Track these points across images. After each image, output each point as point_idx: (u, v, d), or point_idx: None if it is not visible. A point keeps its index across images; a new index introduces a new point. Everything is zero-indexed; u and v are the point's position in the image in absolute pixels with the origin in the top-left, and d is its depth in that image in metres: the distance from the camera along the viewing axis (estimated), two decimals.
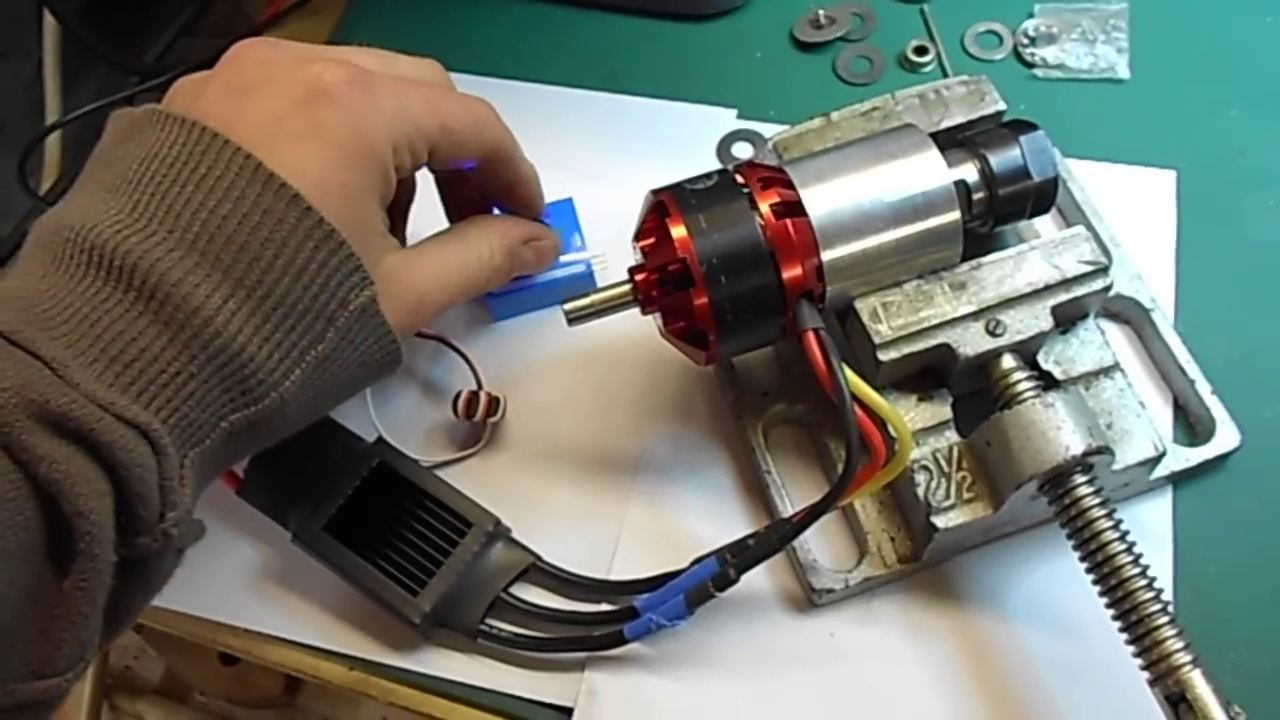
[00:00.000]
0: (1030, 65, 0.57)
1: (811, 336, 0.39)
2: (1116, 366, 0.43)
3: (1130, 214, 0.51)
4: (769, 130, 0.56)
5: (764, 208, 0.40)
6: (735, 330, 0.40)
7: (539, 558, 0.46)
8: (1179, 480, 0.46)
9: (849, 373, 0.39)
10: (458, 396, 0.49)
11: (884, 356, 0.41)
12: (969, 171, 0.42)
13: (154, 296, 0.33)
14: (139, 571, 0.32)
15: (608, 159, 0.57)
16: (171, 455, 0.32)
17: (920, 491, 0.42)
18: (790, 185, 0.41)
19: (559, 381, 0.51)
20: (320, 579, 0.46)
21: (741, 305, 0.40)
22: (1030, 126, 0.43)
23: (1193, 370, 0.46)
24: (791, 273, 0.40)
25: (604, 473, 0.49)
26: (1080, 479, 0.39)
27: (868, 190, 0.40)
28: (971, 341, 0.41)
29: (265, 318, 0.35)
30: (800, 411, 0.47)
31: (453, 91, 0.43)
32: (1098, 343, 0.44)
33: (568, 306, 0.43)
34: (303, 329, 0.36)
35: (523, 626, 0.45)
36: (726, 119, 0.58)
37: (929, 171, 0.41)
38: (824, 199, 0.40)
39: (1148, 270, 0.49)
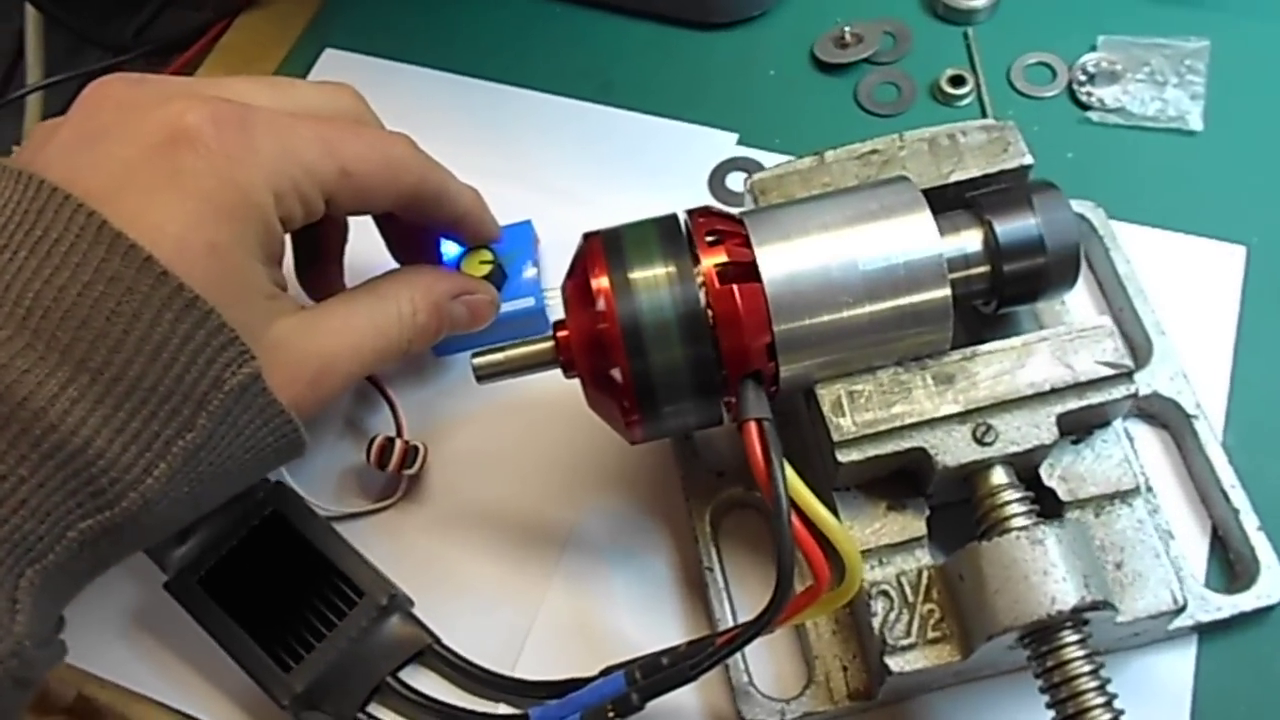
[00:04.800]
0: (1085, 107, 0.49)
1: (752, 428, 0.32)
2: (1137, 491, 0.35)
3: (1185, 295, 0.43)
4: (771, 160, 0.49)
5: (708, 266, 0.33)
6: (663, 409, 0.34)
7: (437, 640, 0.40)
8: (1206, 631, 0.37)
9: (791, 476, 0.32)
10: (372, 442, 0.43)
11: (843, 457, 0.34)
12: (970, 239, 0.35)
13: None
14: None
15: (587, 180, 0.51)
16: None
17: (876, 623, 0.34)
18: (747, 242, 0.34)
19: (493, 432, 0.45)
20: (197, 634, 0.41)
21: (671, 381, 0.33)
22: (1049, 188, 0.35)
23: (1238, 498, 0.38)
24: (734, 348, 0.33)
25: (528, 545, 0.42)
26: (1068, 636, 0.31)
27: (839, 254, 0.33)
28: (953, 449, 0.34)
29: (116, 406, 0.29)
30: (759, 499, 0.40)
31: (361, 129, 0.37)
32: (1117, 458, 0.36)
33: (476, 361, 0.36)
34: (165, 416, 0.30)
35: (408, 719, 0.39)
36: (726, 144, 0.51)
37: (916, 236, 0.33)
38: (783, 262, 0.33)
39: (1197, 367, 0.41)
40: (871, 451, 0.34)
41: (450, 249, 0.44)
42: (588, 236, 0.35)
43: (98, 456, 0.29)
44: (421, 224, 0.41)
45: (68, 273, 0.29)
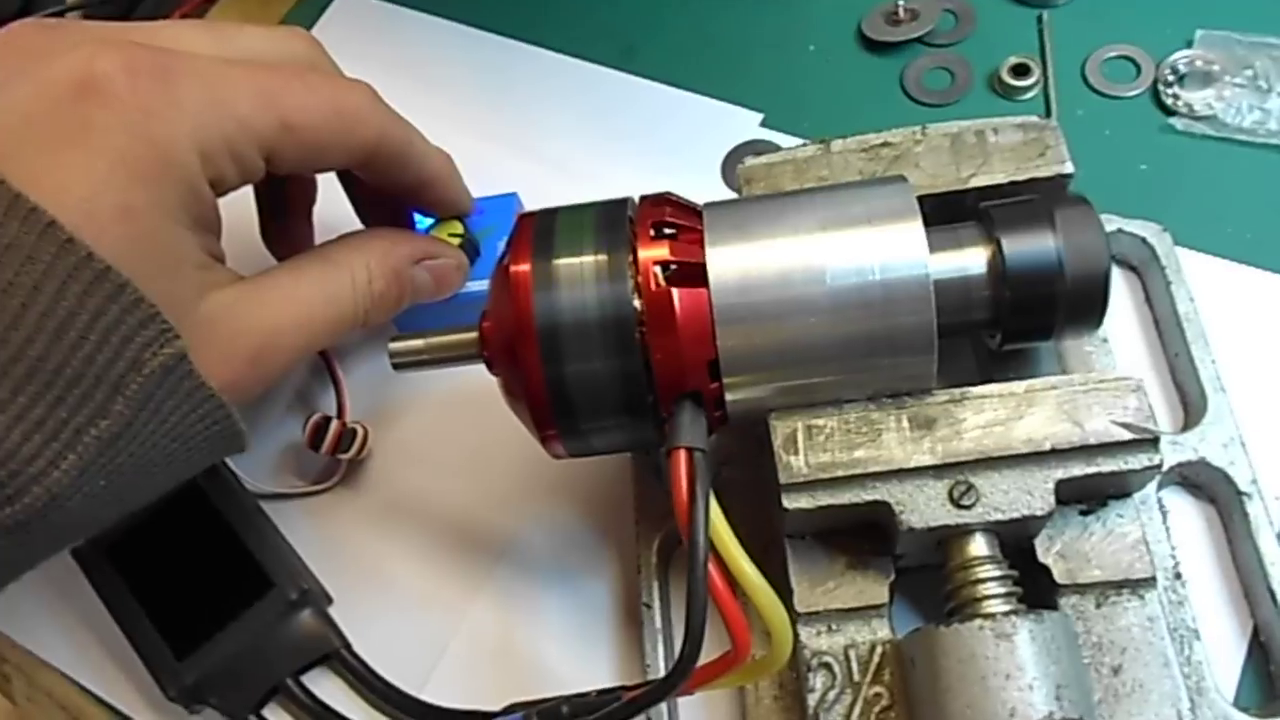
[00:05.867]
0: (1170, 112, 0.41)
1: (680, 458, 0.27)
2: (1151, 582, 0.29)
3: (1258, 345, 0.36)
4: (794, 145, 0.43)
5: (646, 262, 0.28)
6: (583, 425, 0.29)
7: (347, 645, 0.37)
8: None
9: (718, 519, 0.27)
10: (308, 420, 0.39)
11: (789, 502, 0.29)
12: (974, 258, 0.29)
13: None
14: None
15: (589, 153, 0.46)
16: None
17: (812, 700, 0.29)
18: (700, 240, 0.28)
19: (445, 422, 0.41)
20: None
21: (592, 394, 0.28)
22: (1079, 203, 0.28)
23: None
24: (668, 362, 0.28)
25: (462, 551, 0.38)
26: None
27: (805, 262, 0.28)
28: (923, 508, 0.28)
29: (15, 390, 0.26)
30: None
31: (308, 76, 0.32)
32: (1132, 539, 0.29)
33: (393, 346, 0.32)
34: (74, 402, 0.26)
35: None
36: (749, 125, 0.45)
37: (899, 249, 0.27)
38: (737, 265, 0.28)
39: (1261, 435, 0.34)
40: (825, 500, 0.29)
41: (424, 216, 0.40)
42: (523, 217, 0.30)
43: None
44: (382, 187, 0.36)
45: None
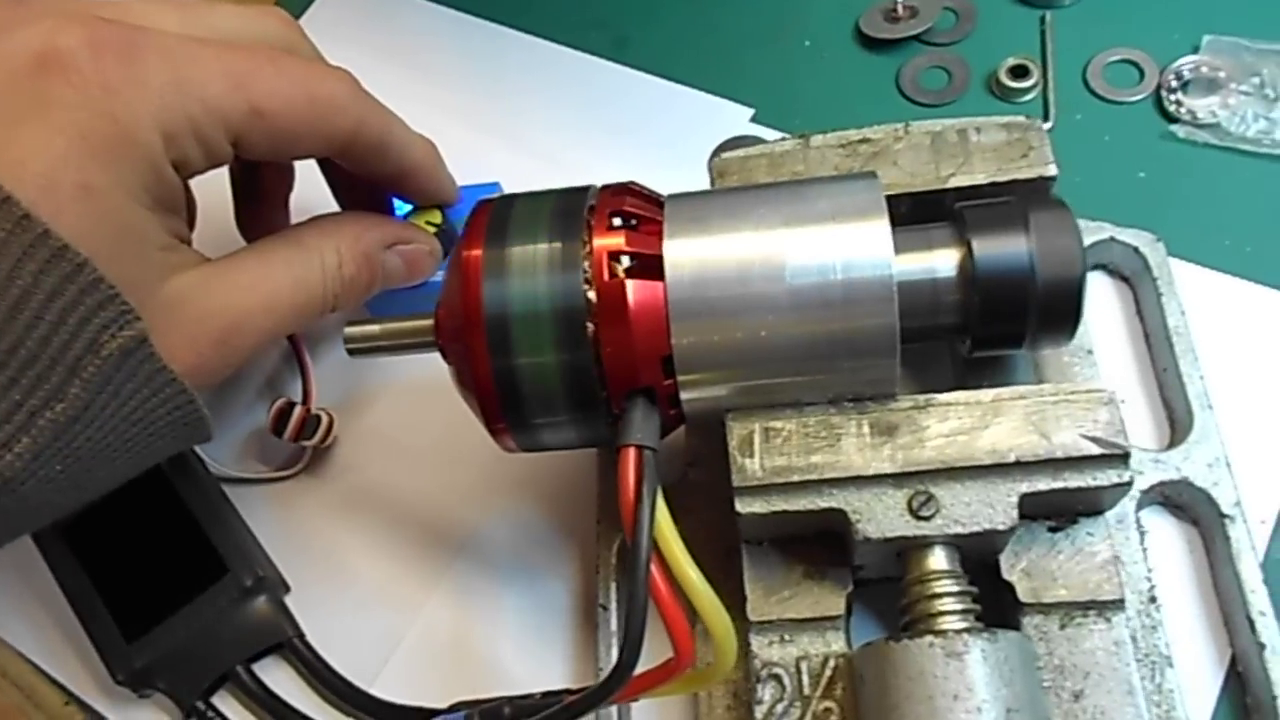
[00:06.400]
0: (1172, 119, 0.40)
1: (629, 456, 0.26)
2: (1119, 605, 0.28)
3: (1250, 362, 0.35)
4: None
5: (600, 253, 0.27)
6: (532, 420, 0.28)
7: (300, 634, 0.36)
8: None
9: (665, 522, 0.26)
10: (273, 405, 0.39)
11: (743, 506, 0.28)
12: (944, 260, 0.28)
13: None
14: None
15: (575, 144, 0.45)
16: None
17: (760, 712, 0.28)
18: (659, 231, 0.27)
19: (412, 412, 0.40)
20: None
21: (541, 387, 0.27)
22: (1056, 206, 0.27)
23: (1268, 630, 0.30)
24: (619, 356, 0.27)
25: (422, 543, 0.38)
26: None
27: (764, 258, 0.27)
28: (880, 518, 0.27)
29: None
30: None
31: (283, 60, 0.31)
32: (1101, 559, 0.28)
33: (348, 331, 0.32)
34: (28, 384, 0.26)
35: (252, 716, 0.35)
36: (738, 119, 0.44)
37: (863, 247, 0.26)
38: (694, 258, 0.27)
39: (1248, 455, 0.33)
40: (779, 505, 0.27)
41: (401, 204, 0.39)
42: (482, 202, 0.30)
43: None
44: (362, 176, 0.36)
45: None
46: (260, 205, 0.39)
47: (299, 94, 0.31)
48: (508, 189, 0.41)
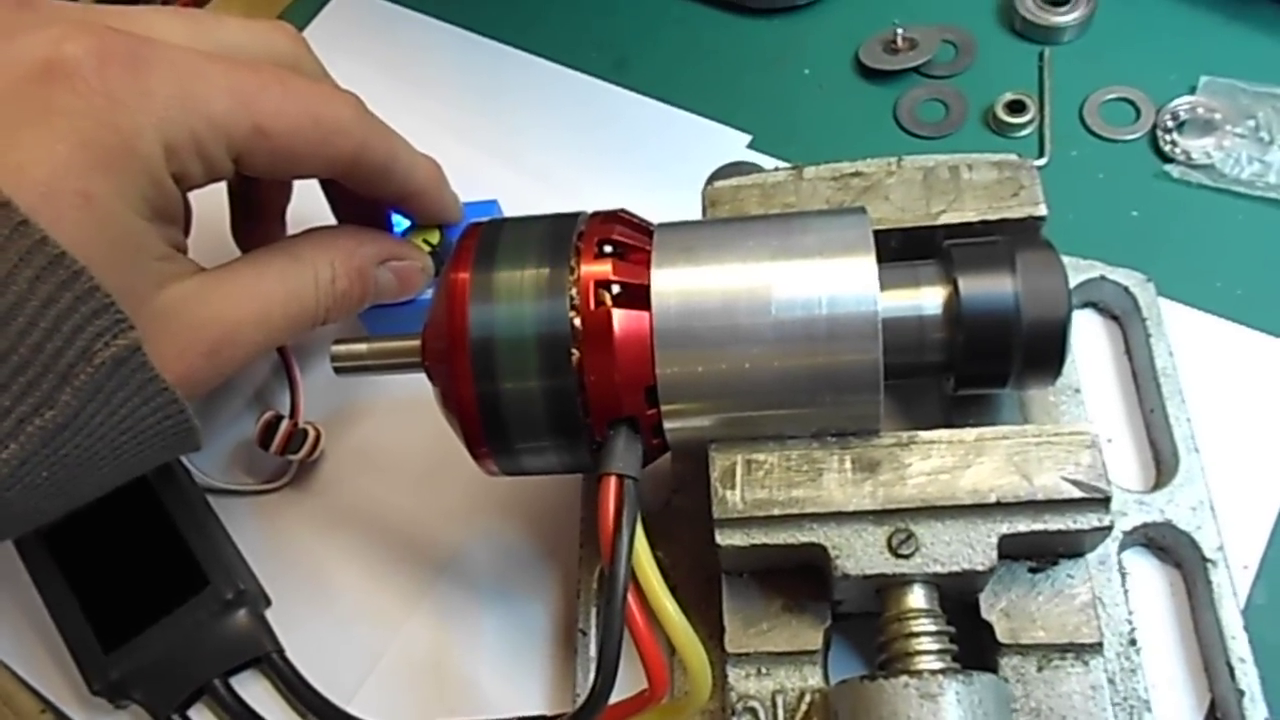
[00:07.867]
0: (1167, 159, 0.40)
1: (610, 485, 0.26)
2: (1097, 648, 0.28)
3: (1238, 406, 0.35)
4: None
5: (587, 280, 0.27)
6: (516, 445, 0.28)
7: (279, 649, 0.36)
8: None
9: (643, 552, 0.26)
10: (260, 417, 0.39)
11: (723, 539, 0.28)
12: (930, 297, 0.28)
13: None
14: None
15: (573, 164, 0.45)
16: None
17: None
18: (647, 260, 0.28)
19: (400, 430, 0.40)
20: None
21: (525, 413, 0.27)
22: (1043, 248, 0.27)
23: (1248, 676, 0.30)
24: (603, 385, 0.27)
25: (405, 562, 0.38)
26: None
27: (750, 290, 0.27)
28: (859, 554, 0.27)
29: None
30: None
31: (290, 80, 0.31)
32: (1080, 601, 0.28)
33: (335, 350, 0.32)
34: (19, 390, 0.26)
35: None
36: (735, 145, 0.45)
37: (849, 282, 0.26)
38: (680, 289, 0.27)
39: (1233, 500, 0.32)
40: (759, 539, 0.27)
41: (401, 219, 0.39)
42: (472, 225, 0.30)
43: None
44: (367, 196, 0.36)
45: None
46: (257, 217, 0.39)
47: (304, 115, 0.31)
48: (506, 207, 0.41)
